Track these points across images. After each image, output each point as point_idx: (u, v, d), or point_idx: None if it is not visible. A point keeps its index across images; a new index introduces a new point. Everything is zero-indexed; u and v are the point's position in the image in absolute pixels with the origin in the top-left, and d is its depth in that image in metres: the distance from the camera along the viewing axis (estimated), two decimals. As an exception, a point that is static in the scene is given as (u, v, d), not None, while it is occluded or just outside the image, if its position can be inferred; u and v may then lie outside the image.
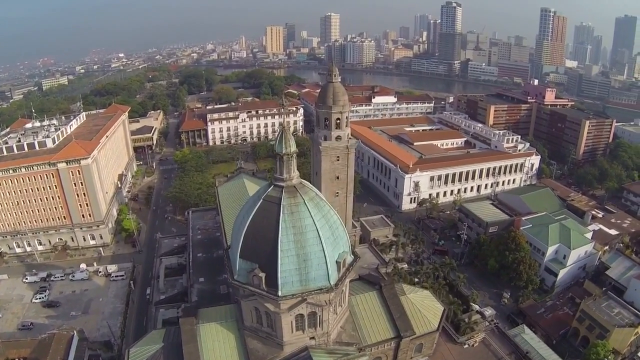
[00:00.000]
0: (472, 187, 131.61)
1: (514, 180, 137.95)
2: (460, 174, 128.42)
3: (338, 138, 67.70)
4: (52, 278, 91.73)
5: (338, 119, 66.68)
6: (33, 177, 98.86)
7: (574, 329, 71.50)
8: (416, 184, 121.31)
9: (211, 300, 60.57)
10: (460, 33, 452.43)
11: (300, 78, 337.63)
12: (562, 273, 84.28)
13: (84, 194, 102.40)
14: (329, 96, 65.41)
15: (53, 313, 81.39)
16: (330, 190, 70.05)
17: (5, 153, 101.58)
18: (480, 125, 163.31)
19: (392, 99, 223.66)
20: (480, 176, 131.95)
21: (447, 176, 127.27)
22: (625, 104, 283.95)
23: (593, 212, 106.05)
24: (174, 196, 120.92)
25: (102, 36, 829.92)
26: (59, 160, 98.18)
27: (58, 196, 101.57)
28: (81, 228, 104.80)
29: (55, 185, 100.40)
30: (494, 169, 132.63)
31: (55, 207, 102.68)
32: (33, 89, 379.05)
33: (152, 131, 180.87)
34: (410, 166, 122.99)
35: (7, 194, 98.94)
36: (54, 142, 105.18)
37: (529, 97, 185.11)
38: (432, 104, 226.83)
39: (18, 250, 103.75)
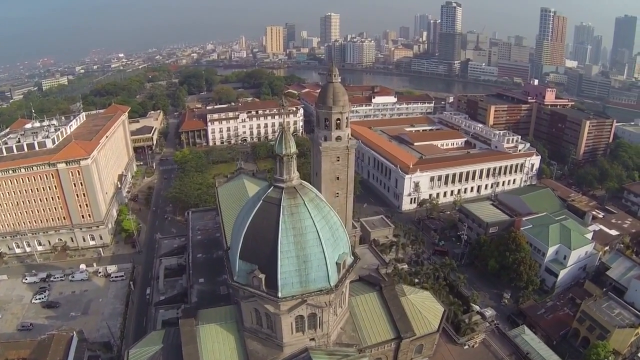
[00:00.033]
0: (472, 188, 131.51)
1: (514, 180, 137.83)
2: (461, 174, 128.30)
3: (338, 138, 67.63)
4: (51, 279, 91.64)
5: (338, 119, 66.61)
6: (33, 178, 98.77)
7: (575, 329, 71.39)
8: (416, 185, 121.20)
9: (211, 301, 60.42)
10: (460, 33, 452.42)
11: (300, 78, 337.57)
12: (562, 273, 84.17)
13: (83, 194, 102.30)
14: (329, 96, 65.34)
15: (53, 314, 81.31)
16: (330, 190, 69.99)
17: (4, 153, 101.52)
18: (480, 125, 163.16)
19: (392, 99, 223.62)
20: (481, 176, 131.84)
21: (447, 176, 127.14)
22: (626, 104, 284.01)
23: (593, 213, 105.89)
24: (174, 196, 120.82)
25: (102, 36, 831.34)
26: (58, 161, 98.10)
27: (58, 197, 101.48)
28: (81, 228, 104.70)
29: (55, 186, 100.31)
30: (494, 169, 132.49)
31: (55, 208, 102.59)
32: (33, 89, 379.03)
33: (152, 131, 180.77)
34: (411, 166, 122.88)
35: (7, 194, 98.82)
36: (53, 142, 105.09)
37: (529, 97, 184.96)
38: (432, 104, 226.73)
39: (18, 250, 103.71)
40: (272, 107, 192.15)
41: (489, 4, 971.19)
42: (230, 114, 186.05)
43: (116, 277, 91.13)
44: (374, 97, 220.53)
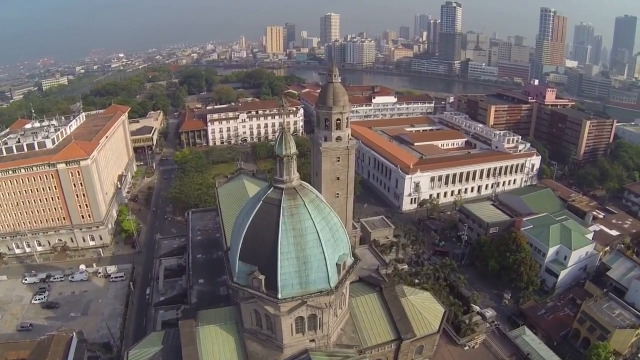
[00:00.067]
0: (472, 188, 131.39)
1: (514, 180, 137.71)
2: (461, 174, 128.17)
3: (338, 139, 67.49)
4: (51, 279, 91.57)
5: (338, 119, 66.49)
6: (32, 178, 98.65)
7: (575, 330, 71.25)
8: (417, 185, 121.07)
9: (211, 302, 60.30)
10: (460, 33, 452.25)
11: (300, 78, 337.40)
12: (562, 274, 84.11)
13: (83, 194, 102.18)
14: (329, 97, 65.20)
15: (52, 314, 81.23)
16: (330, 191, 69.88)
17: (4, 154, 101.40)
18: (480, 125, 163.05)
19: (392, 99, 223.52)
20: (481, 177, 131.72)
21: (447, 177, 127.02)
22: (626, 104, 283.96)
23: (594, 213, 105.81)
24: (174, 197, 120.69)
25: (102, 36, 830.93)
26: (58, 161, 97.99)
27: (57, 197, 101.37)
28: (81, 229, 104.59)
29: (55, 186, 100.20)
30: (495, 169, 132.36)
31: (55, 208, 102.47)
32: (33, 89, 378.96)
33: (152, 131, 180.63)
34: (411, 167, 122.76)
35: (7, 194, 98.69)
36: (53, 142, 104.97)
37: (529, 97, 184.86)
38: (432, 104, 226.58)
39: (17, 251, 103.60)
40: (272, 107, 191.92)
41: (489, 4, 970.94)
42: (230, 114, 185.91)
43: (116, 277, 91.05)
44: (374, 97, 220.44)
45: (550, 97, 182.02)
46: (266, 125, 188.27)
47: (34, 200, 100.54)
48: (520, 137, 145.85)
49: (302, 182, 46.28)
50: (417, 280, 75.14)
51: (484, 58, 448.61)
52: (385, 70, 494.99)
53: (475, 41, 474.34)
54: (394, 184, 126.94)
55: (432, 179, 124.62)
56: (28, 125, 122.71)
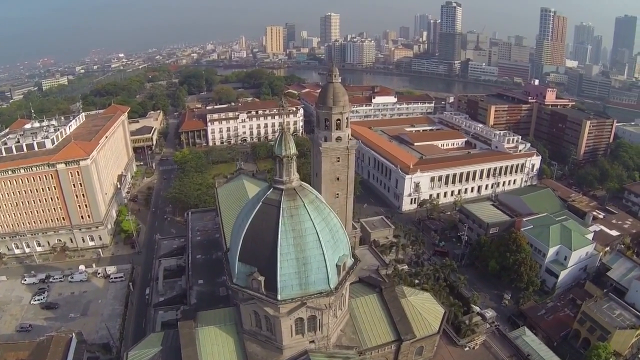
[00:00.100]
0: (472, 188, 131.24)
1: (514, 180, 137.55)
2: (461, 174, 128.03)
3: (338, 139, 67.37)
4: (50, 279, 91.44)
5: (338, 119, 66.36)
6: (32, 178, 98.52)
7: (575, 330, 71.13)
8: (417, 185, 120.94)
9: (210, 303, 60.22)
10: (460, 33, 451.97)
11: (300, 78, 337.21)
12: (563, 274, 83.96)
13: (83, 195, 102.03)
14: (329, 97, 65.09)
15: (52, 315, 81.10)
16: (330, 191, 69.77)
17: (4, 154, 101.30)
18: (480, 125, 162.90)
19: (392, 99, 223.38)
20: (481, 177, 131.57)
21: (447, 177, 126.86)
22: (626, 104, 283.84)
23: (594, 213, 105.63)
24: (174, 197, 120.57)
25: (102, 36, 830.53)
26: (58, 161, 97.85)
27: (57, 197, 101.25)
28: (80, 229, 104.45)
29: (54, 186, 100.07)
30: (495, 169, 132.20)
31: (54, 208, 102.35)
32: (33, 89, 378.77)
33: (152, 131, 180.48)
34: (411, 167, 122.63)
35: (6, 195, 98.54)
36: (53, 143, 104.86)
37: (529, 97, 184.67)
38: (432, 104, 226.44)
39: (17, 251, 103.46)
40: (272, 107, 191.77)
41: (489, 4, 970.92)
42: (230, 114, 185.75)
43: (115, 278, 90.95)
44: (374, 97, 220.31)
45: (550, 97, 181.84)
46: (266, 126, 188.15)
47: (34, 201, 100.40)
48: (520, 137, 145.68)
49: (302, 182, 46.22)
50: (417, 281, 75.05)
51: (484, 58, 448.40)
52: (385, 70, 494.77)
53: (475, 41, 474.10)
54: (393, 184, 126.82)
55: (432, 179, 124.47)
56: (28, 126, 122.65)
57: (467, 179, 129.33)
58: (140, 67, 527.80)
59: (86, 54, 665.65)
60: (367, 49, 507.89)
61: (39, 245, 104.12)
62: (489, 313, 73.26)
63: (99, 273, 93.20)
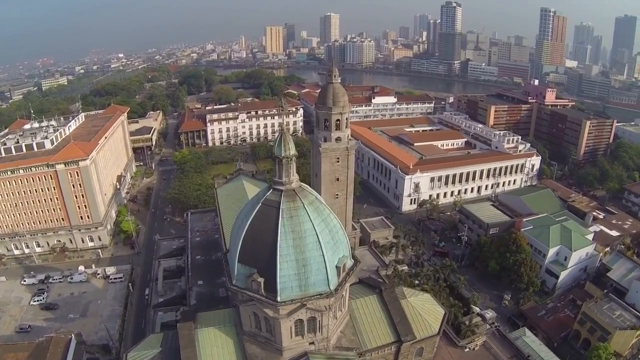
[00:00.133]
0: (472, 188, 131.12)
1: (514, 181, 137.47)
2: (461, 175, 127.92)
3: (338, 139, 67.26)
4: (50, 280, 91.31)
5: (338, 120, 66.25)
6: (31, 179, 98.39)
7: (575, 331, 71.03)
8: (416, 185, 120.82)
9: (210, 304, 60.12)
10: (460, 33, 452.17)
11: (300, 78, 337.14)
12: (563, 275, 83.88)
13: (82, 195, 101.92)
14: (329, 97, 64.96)
15: (51, 316, 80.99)
16: (330, 192, 69.66)
17: (3, 154, 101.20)
18: (480, 125, 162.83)
19: (392, 99, 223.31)
20: (481, 177, 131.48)
21: (447, 177, 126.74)
22: (626, 104, 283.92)
23: (594, 213, 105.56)
24: (173, 197, 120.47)
25: (102, 36, 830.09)
26: (57, 162, 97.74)
27: (56, 198, 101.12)
28: (79, 230, 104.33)
29: (54, 187, 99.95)
30: (495, 169, 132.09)
31: (54, 209, 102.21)
32: (32, 89, 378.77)
33: (152, 132, 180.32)
34: (411, 167, 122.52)
35: (5, 195, 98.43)
36: (52, 143, 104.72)
37: (529, 97, 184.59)
38: (432, 104, 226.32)
39: (16, 252, 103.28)
40: (272, 107, 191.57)
41: (489, 4, 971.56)
42: (230, 115, 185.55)
43: (115, 278, 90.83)
44: (373, 98, 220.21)
45: (550, 97, 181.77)
46: (266, 126, 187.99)
47: (33, 201, 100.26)
48: (520, 137, 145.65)
49: (302, 183, 46.07)
50: (417, 282, 74.99)
51: (484, 58, 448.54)
52: (385, 70, 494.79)
53: (475, 41, 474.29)
54: (393, 185, 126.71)
55: (432, 180, 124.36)
56: (27, 126, 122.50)
57: (467, 180, 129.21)
58: (139, 67, 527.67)
59: (86, 54, 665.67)
60: (366, 49, 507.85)
61: (39, 245, 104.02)
62: (489, 314, 73.23)
63: (98, 274, 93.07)
